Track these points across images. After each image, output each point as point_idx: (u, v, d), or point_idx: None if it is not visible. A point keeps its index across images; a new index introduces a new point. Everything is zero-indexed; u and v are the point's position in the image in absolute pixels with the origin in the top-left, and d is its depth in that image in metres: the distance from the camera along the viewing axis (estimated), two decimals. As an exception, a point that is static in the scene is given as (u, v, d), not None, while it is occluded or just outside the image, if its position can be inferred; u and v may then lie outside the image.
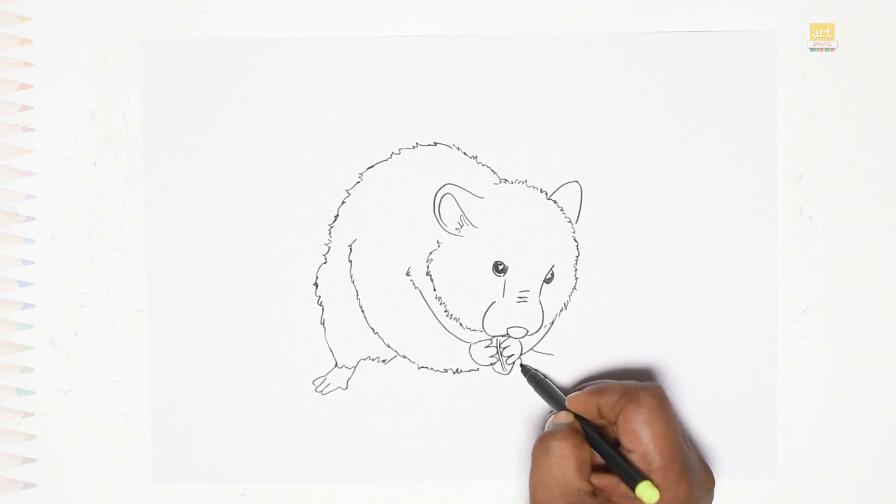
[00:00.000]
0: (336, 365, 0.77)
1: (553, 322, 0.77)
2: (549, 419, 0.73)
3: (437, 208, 0.76)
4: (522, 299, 0.76)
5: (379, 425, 0.77)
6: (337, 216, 0.77)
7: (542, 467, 0.68)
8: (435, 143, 0.77)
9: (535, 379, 0.75)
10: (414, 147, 0.77)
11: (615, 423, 0.69)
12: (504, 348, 0.77)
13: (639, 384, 0.70)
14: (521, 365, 0.77)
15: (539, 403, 0.77)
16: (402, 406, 0.77)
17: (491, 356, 0.77)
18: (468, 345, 0.77)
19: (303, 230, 0.77)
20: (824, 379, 0.77)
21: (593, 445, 0.69)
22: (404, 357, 0.77)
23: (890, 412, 0.77)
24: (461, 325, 0.77)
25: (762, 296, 0.77)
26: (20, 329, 0.77)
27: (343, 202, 0.77)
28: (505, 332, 0.76)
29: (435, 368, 0.77)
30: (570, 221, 0.77)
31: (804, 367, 0.77)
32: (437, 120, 0.77)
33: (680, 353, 0.77)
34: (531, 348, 0.77)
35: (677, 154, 0.77)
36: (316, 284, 0.77)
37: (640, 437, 0.68)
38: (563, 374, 0.77)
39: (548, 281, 0.76)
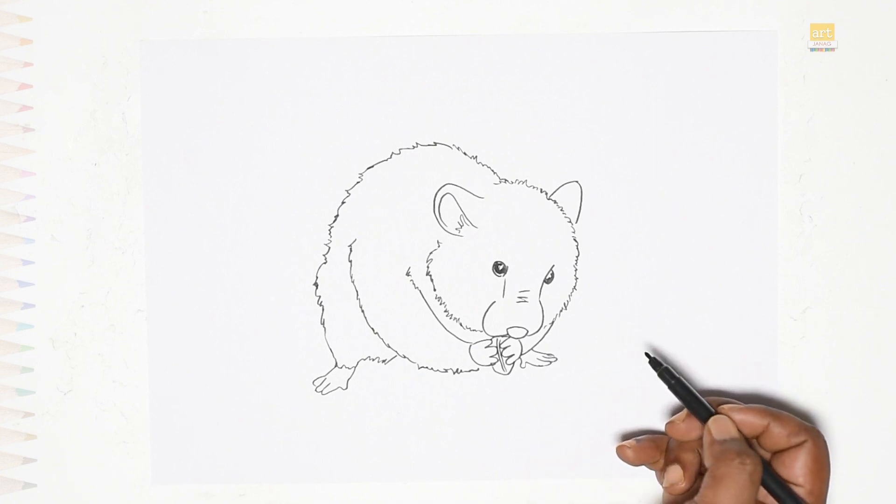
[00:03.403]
0: (336, 365, 0.77)
1: (553, 322, 0.77)
2: (707, 424, 0.71)
3: (437, 208, 0.76)
4: (522, 299, 0.76)
5: (379, 425, 0.77)
6: (337, 216, 0.77)
7: (739, 486, 0.67)
8: (435, 143, 0.77)
9: (682, 385, 0.72)
10: (414, 147, 0.77)
11: (776, 450, 0.70)
12: (504, 348, 0.77)
13: (810, 425, 0.71)
14: (665, 369, 0.73)
15: (540, 404, 0.77)
16: (402, 406, 0.77)
17: (491, 356, 0.77)
18: (468, 345, 0.77)
19: (303, 230, 0.77)
20: (824, 379, 0.77)
21: (765, 471, 0.70)
22: (404, 357, 0.77)
23: (890, 412, 0.77)
24: (461, 325, 0.77)
25: (762, 295, 0.77)
26: (20, 329, 0.77)
27: (343, 202, 0.77)
28: (505, 333, 0.76)
29: (435, 368, 0.77)
30: (570, 221, 0.77)
31: (804, 367, 0.77)
32: (437, 120, 0.77)
33: (680, 353, 0.77)
34: (531, 348, 0.77)
35: (677, 154, 0.77)
36: (316, 284, 0.77)
37: (817, 476, 0.69)
38: (563, 374, 0.77)
39: (548, 281, 0.76)
